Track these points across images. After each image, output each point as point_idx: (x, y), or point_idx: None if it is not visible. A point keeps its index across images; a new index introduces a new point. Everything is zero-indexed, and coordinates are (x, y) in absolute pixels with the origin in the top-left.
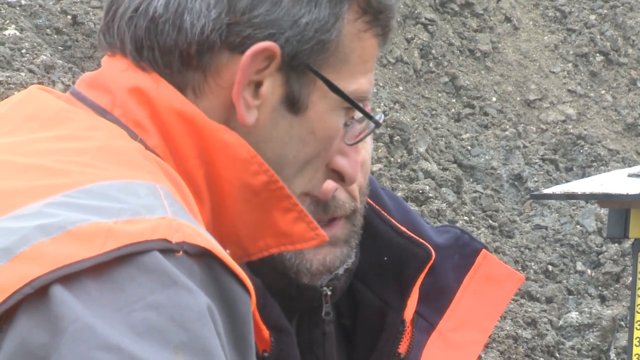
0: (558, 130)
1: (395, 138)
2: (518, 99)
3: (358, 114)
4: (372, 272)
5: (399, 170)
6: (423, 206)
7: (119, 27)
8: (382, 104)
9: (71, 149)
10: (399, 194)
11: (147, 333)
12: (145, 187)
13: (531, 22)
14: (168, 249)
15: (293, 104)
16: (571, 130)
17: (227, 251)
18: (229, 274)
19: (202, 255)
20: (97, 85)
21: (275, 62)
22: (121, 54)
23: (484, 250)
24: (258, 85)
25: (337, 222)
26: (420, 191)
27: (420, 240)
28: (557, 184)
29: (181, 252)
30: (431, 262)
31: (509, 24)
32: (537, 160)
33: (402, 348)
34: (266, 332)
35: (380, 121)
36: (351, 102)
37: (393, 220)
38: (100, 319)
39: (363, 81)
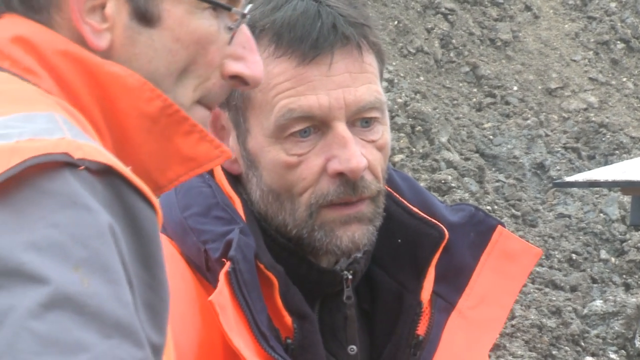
0: (580, 118)
1: (417, 128)
2: (539, 87)
3: (234, 15)
4: (388, 255)
5: (421, 161)
6: (446, 196)
7: None
8: (403, 94)
9: None
10: (422, 184)
11: (48, 249)
12: (43, 116)
13: (551, 11)
14: (70, 163)
15: (144, 16)
16: (593, 118)
17: None
18: (132, 190)
19: (104, 172)
20: None
21: None
22: None
23: (499, 226)
24: (102, 8)
25: (363, 201)
26: (443, 181)
27: (433, 220)
28: (579, 172)
29: (83, 168)
30: (445, 242)
31: (529, 13)
32: (559, 149)
33: (421, 330)
34: (289, 319)
35: (245, 11)
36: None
37: (405, 202)
38: (1, 240)
39: None
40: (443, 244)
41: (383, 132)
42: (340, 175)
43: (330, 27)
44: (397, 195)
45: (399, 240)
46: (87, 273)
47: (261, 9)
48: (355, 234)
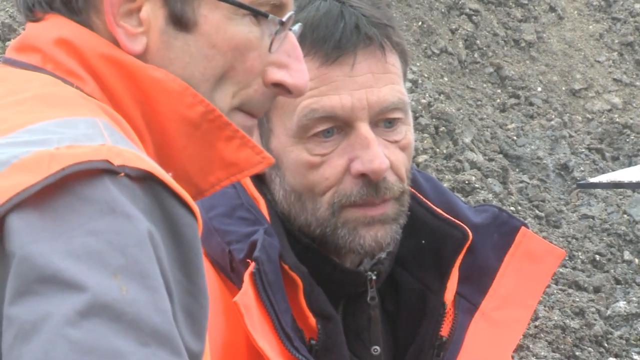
0: (604, 119)
1: (441, 129)
2: (563, 88)
3: (274, 23)
4: (411, 256)
5: (444, 161)
6: (469, 197)
7: None
8: (427, 95)
9: (10, 103)
10: (445, 184)
11: (86, 257)
12: (85, 121)
13: (576, 12)
14: (110, 170)
15: (180, 21)
16: (617, 120)
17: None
18: (172, 197)
19: (145, 179)
20: (25, 47)
21: None
22: (39, 9)
23: (523, 227)
24: (138, 12)
25: (387, 203)
26: (467, 182)
27: (457, 221)
28: (603, 173)
29: (123, 175)
30: (468, 243)
31: (553, 14)
32: (583, 150)
33: (444, 331)
34: (313, 320)
35: (284, 19)
36: (242, 6)
37: (429, 203)
38: (39, 246)
39: None
40: (467, 245)
41: (406, 132)
42: (363, 176)
43: (353, 28)
44: (421, 196)
45: (423, 241)
46: (125, 280)
47: None
48: (379, 233)
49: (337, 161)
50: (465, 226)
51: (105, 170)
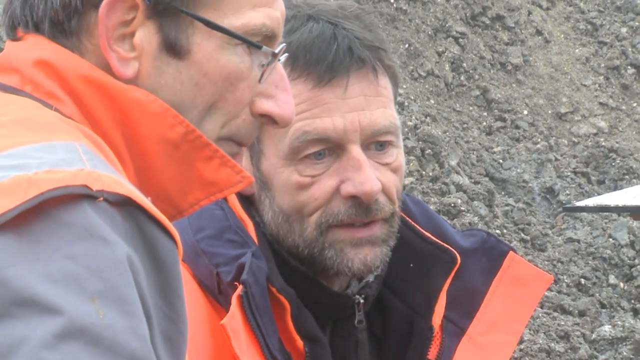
0: (590, 143)
1: (427, 151)
2: (549, 112)
3: (266, 54)
4: (399, 279)
5: (430, 184)
6: (455, 219)
7: (7, 5)
8: (413, 117)
9: None
10: (431, 207)
11: (64, 281)
12: (63, 146)
13: (562, 35)
14: (89, 195)
15: (173, 49)
16: (603, 143)
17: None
18: (152, 222)
19: (124, 204)
20: (3, 68)
21: (141, 11)
22: (22, 29)
23: (511, 252)
24: (132, 37)
25: (375, 224)
26: (452, 204)
27: (445, 245)
28: (589, 197)
29: (101, 199)
30: (457, 267)
31: (540, 37)
32: (569, 174)
33: (432, 354)
34: (300, 343)
35: (277, 51)
36: (236, 36)
37: (417, 226)
38: (16, 270)
39: (253, 15)
40: (455, 269)
41: (397, 155)
42: (353, 197)
43: (346, 50)
44: (410, 220)
45: (411, 265)
46: (103, 305)
47: None
48: (368, 257)
49: (328, 182)
50: (453, 250)
51: (83, 195)
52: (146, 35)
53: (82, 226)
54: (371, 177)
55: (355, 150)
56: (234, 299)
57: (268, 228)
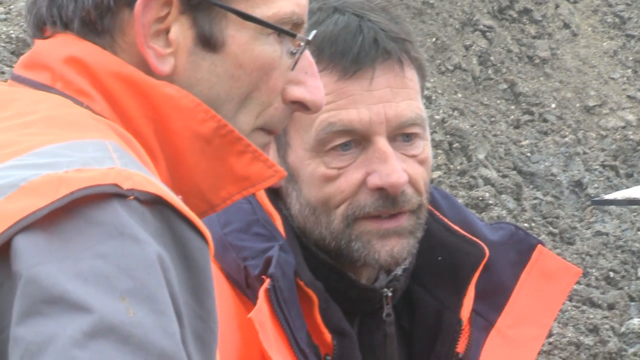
0: (618, 136)
1: (455, 145)
2: (577, 105)
3: (296, 41)
4: (427, 273)
5: (458, 178)
6: (483, 213)
7: (31, 5)
8: (440, 111)
9: (19, 124)
10: (459, 201)
11: (94, 279)
12: (94, 144)
13: (590, 29)
14: (119, 194)
15: (208, 42)
16: (631, 136)
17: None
18: (182, 221)
19: (154, 203)
20: (34, 65)
21: (175, 6)
22: (50, 28)
23: (539, 245)
24: (167, 33)
25: (402, 215)
26: (480, 198)
27: (474, 238)
28: (617, 190)
29: (132, 198)
30: (485, 260)
31: (567, 31)
32: (597, 167)
33: (460, 348)
34: (328, 336)
35: (310, 38)
36: (269, 26)
37: (446, 220)
38: (47, 268)
39: (283, 3)
40: (484, 262)
41: (424, 147)
42: (379, 189)
43: (372, 42)
44: (438, 213)
45: (439, 258)
46: (133, 303)
47: None
48: (395, 248)
49: (354, 174)
50: (482, 243)
51: (114, 194)
52: (181, 30)
53: (112, 225)
54: (397, 168)
55: (381, 142)
56: (262, 293)
57: (295, 221)
